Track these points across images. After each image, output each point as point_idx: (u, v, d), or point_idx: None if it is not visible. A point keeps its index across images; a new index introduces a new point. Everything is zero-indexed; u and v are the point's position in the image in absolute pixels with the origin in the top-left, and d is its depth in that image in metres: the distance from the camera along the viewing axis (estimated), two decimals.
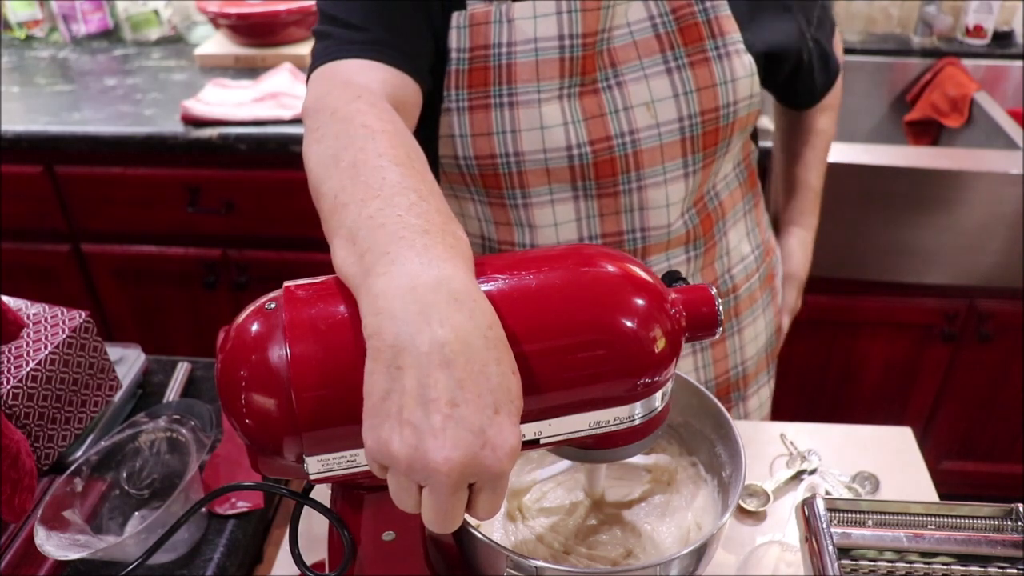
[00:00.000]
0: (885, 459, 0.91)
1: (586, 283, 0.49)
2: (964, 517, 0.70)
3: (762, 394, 1.07)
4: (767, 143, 1.28)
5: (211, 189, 1.65)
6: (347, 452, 0.47)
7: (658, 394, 0.52)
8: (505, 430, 0.41)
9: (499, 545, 0.59)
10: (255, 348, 0.47)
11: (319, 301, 0.48)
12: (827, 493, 0.86)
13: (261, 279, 1.77)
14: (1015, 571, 0.66)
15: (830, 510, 0.70)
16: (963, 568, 0.67)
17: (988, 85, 1.92)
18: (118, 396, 0.96)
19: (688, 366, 0.97)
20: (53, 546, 0.71)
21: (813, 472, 0.89)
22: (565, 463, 0.73)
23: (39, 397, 0.84)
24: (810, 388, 1.84)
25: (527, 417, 0.47)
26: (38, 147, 1.62)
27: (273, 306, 0.49)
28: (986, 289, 1.64)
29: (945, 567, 0.67)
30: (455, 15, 0.78)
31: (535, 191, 0.85)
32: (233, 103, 1.64)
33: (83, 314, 0.90)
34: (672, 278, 0.57)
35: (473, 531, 0.59)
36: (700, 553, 0.61)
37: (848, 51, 1.90)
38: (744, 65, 0.83)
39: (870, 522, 0.70)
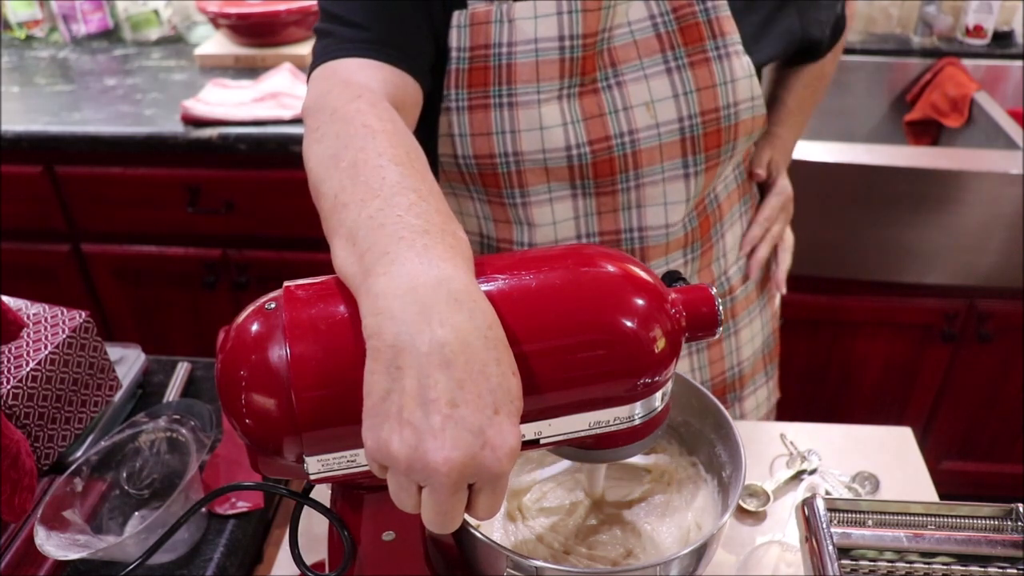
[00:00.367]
0: (885, 459, 0.91)
1: (586, 283, 0.49)
2: (964, 517, 0.70)
3: (759, 395, 1.07)
4: None
5: (211, 189, 1.65)
6: (347, 452, 0.47)
7: (658, 394, 0.52)
8: (505, 430, 0.41)
9: (499, 545, 0.59)
10: (255, 348, 0.47)
11: (319, 301, 0.48)
12: (827, 493, 0.86)
13: (261, 279, 1.77)
14: (1015, 571, 0.66)
15: (830, 510, 0.70)
16: (963, 568, 0.67)
17: (988, 85, 1.92)
18: (118, 396, 0.96)
19: (684, 367, 0.97)
20: (53, 546, 0.71)
21: (813, 472, 0.89)
22: (565, 463, 0.73)
23: (39, 397, 0.84)
24: (810, 388, 1.84)
25: (527, 417, 0.47)
26: (38, 147, 1.62)
27: (273, 306, 0.49)
28: (986, 289, 1.64)
29: (945, 567, 0.67)
30: (456, 14, 0.78)
31: (533, 190, 0.85)
32: (233, 103, 1.64)
33: (83, 314, 0.90)
34: (672, 278, 0.57)
35: (473, 531, 0.59)
36: (700, 553, 0.61)
37: (848, 51, 1.90)
38: (743, 66, 0.83)
39: (870, 522, 0.70)
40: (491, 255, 0.61)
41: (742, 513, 0.84)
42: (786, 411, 1.21)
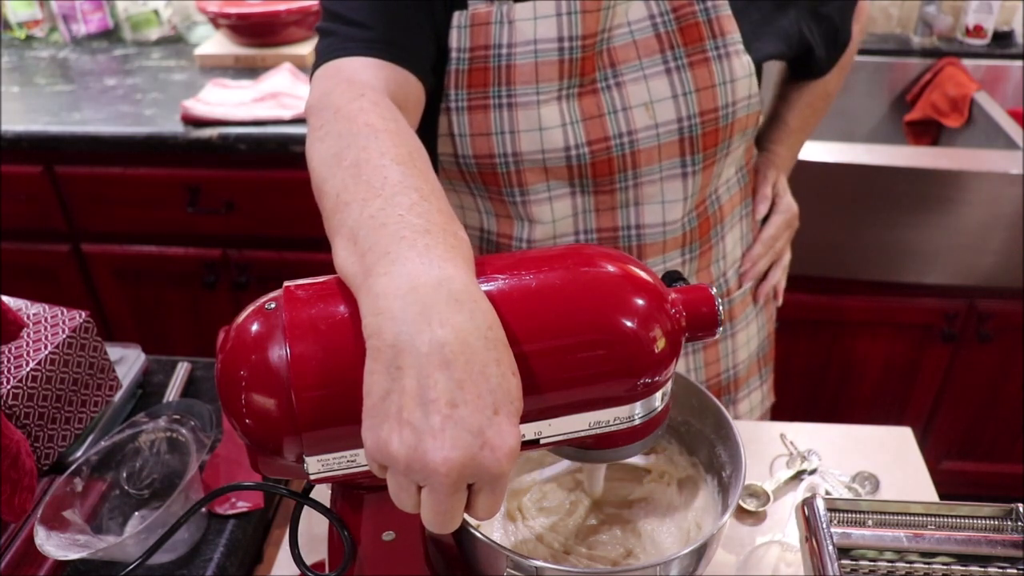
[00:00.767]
0: (885, 459, 0.91)
1: (586, 283, 0.49)
2: (964, 517, 0.70)
3: (753, 398, 1.07)
4: None
5: (211, 189, 1.65)
6: (347, 452, 0.47)
7: (658, 394, 0.52)
8: (504, 431, 0.41)
9: (499, 545, 0.59)
10: (255, 348, 0.47)
11: (319, 301, 0.48)
12: (827, 493, 0.86)
13: (261, 279, 1.77)
14: (1015, 571, 0.66)
15: (830, 510, 0.70)
16: (963, 568, 0.67)
17: (988, 85, 1.92)
18: (118, 396, 0.96)
19: (680, 368, 0.97)
20: (53, 546, 0.71)
21: (813, 472, 0.89)
22: (565, 463, 0.73)
23: (39, 397, 0.84)
24: (810, 388, 1.84)
25: (527, 417, 0.47)
26: (38, 147, 1.62)
27: (273, 306, 0.49)
28: (986, 289, 1.64)
29: (945, 567, 0.67)
30: (456, 14, 0.78)
31: (532, 188, 0.85)
32: (233, 103, 1.64)
33: (83, 314, 0.90)
34: (672, 278, 0.57)
35: (473, 531, 0.59)
36: (700, 553, 0.61)
37: None
38: (743, 65, 0.83)
39: (870, 522, 0.70)
40: (491, 255, 0.61)
41: (742, 513, 0.84)
42: (786, 411, 1.21)
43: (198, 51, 1.91)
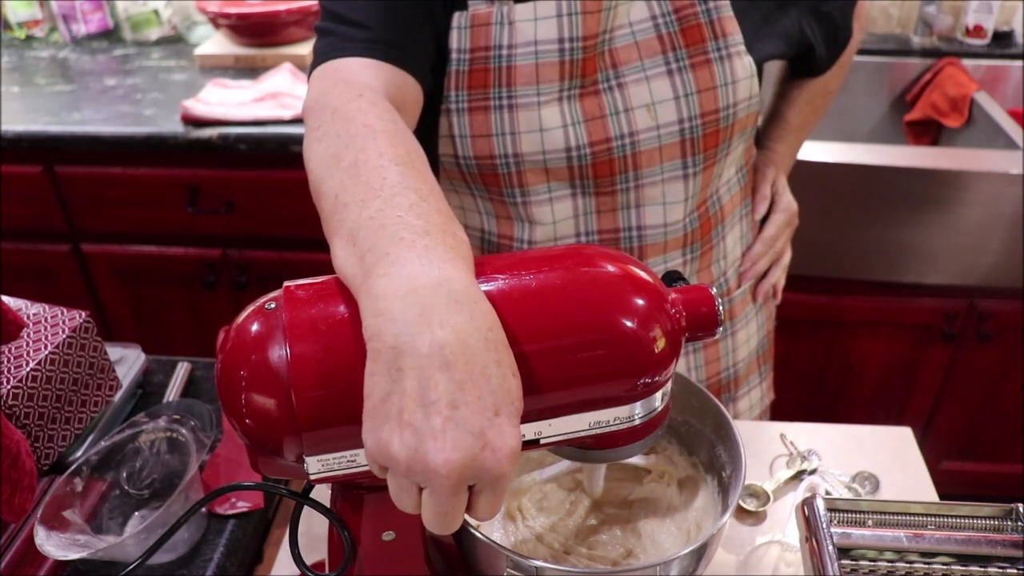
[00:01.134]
0: (885, 459, 0.91)
1: (586, 283, 0.49)
2: (964, 517, 0.70)
3: (752, 396, 1.07)
4: None
5: (211, 189, 1.65)
6: (347, 452, 0.47)
7: (658, 394, 0.52)
8: (505, 432, 0.41)
9: (499, 545, 0.59)
10: (255, 348, 0.47)
11: (319, 301, 0.48)
12: (827, 493, 0.86)
13: (261, 279, 1.77)
14: (1015, 571, 0.66)
15: (830, 510, 0.70)
16: (963, 568, 0.67)
17: (988, 85, 1.92)
18: (118, 396, 0.96)
19: (680, 367, 0.97)
20: (53, 546, 0.71)
21: (813, 472, 0.89)
22: (565, 463, 0.73)
23: (39, 397, 0.84)
24: (810, 388, 1.84)
25: (527, 417, 0.47)
26: (38, 147, 1.62)
27: (273, 306, 0.49)
28: (986, 289, 1.64)
29: (945, 567, 0.67)
30: (456, 15, 0.78)
31: (533, 189, 0.85)
32: (233, 103, 1.64)
33: (83, 314, 0.90)
34: (672, 278, 0.57)
35: (473, 531, 0.59)
36: (700, 553, 0.61)
37: None
38: (745, 66, 0.83)
39: (870, 522, 0.70)
40: (491, 255, 0.61)
41: (742, 513, 0.84)
42: (786, 411, 1.21)
43: (198, 51, 1.91)
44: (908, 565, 0.67)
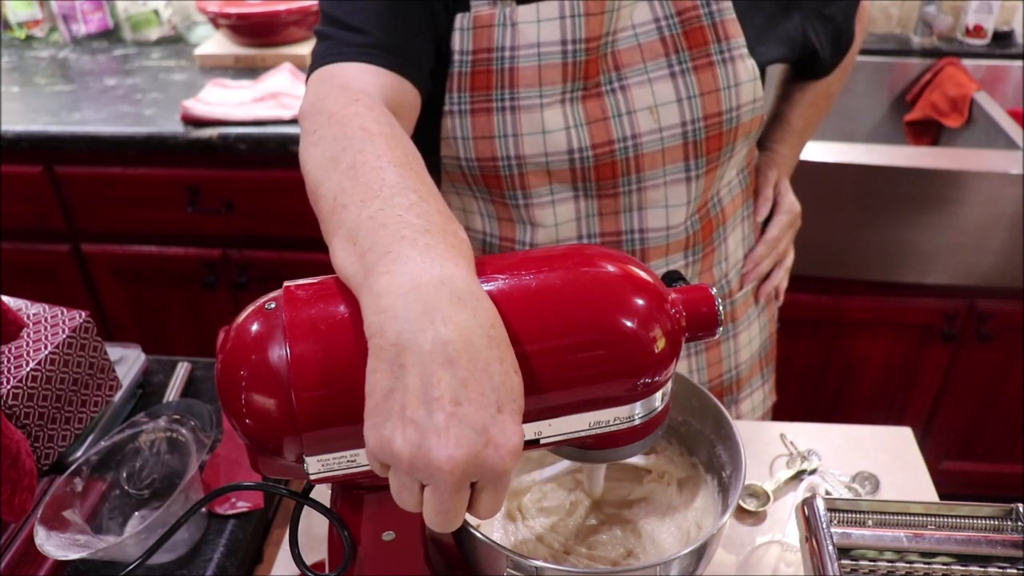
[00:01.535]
0: (885, 459, 0.91)
1: (586, 283, 0.49)
2: (964, 517, 0.70)
3: (755, 398, 1.07)
4: None
5: (211, 189, 1.65)
6: (347, 452, 0.47)
7: (658, 394, 0.52)
8: (508, 429, 0.41)
9: (499, 545, 0.59)
10: (255, 348, 0.47)
11: (319, 301, 0.48)
12: (827, 493, 0.86)
13: (261, 279, 1.77)
14: (1015, 571, 0.66)
15: (830, 510, 0.70)
16: (963, 568, 0.67)
17: (988, 85, 1.92)
18: (118, 396, 0.96)
19: (682, 369, 0.97)
20: (53, 546, 0.71)
21: (813, 472, 0.89)
22: (565, 463, 0.73)
23: (39, 397, 0.84)
24: (810, 388, 1.84)
25: (527, 417, 0.47)
26: (38, 147, 1.62)
27: (273, 306, 0.49)
28: (986, 289, 1.64)
29: (945, 567, 0.67)
30: (459, 17, 0.78)
31: (535, 192, 0.85)
32: (233, 103, 1.64)
33: (83, 314, 0.90)
34: (672, 278, 0.57)
35: (473, 531, 0.59)
36: (700, 553, 0.61)
37: None
38: (747, 69, 0.83)
39: (870, 522, 0.70)
40: (491, 255, 0.61)
41: (742, 513, 0.84)
42: (786, 411, 1.21)
43: (198, 51, 1.91)
44: (908, 565, 0.67)
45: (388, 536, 0.57)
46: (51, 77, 1.86)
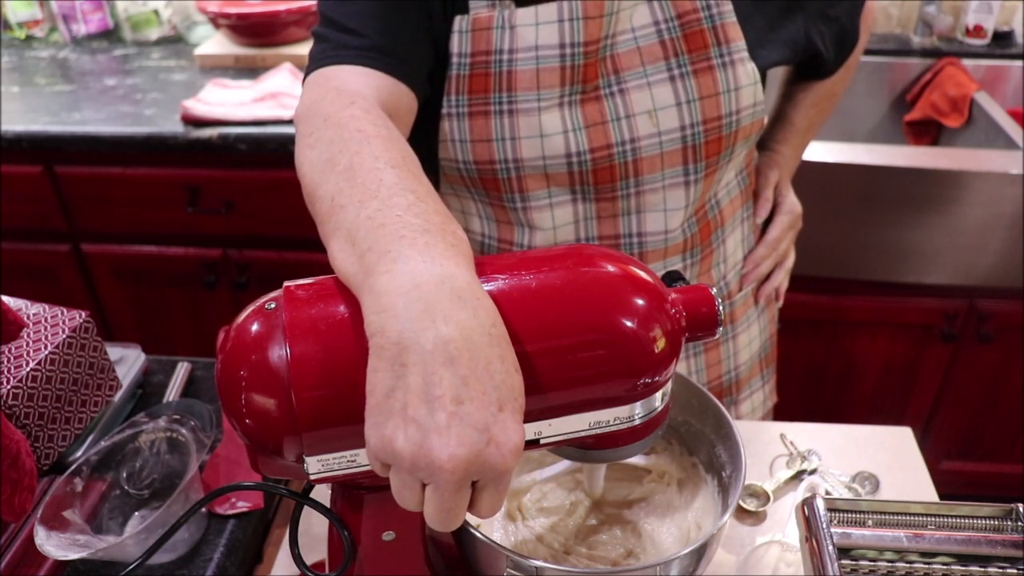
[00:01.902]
0: (885, 459, 0.91)
1: (586, 283, 0.50)
2: (964, 517, 0.70)
3: (755, 399, 1.07)
4: None
5: (211, 189, 1.65)
6: (347, 452, 0.47)
7: (658, 394, 0.52)
8: (509, 427, 0.41)
9: (499, 545, 0.59)
10: (255, 348, 0.47)
11: (319, 301, 0.48)
12: (827, 493, 0.86)
13: (261, 279, 1.77)
14: (1015, 571, 0.66)
15: (830, 510, 0.70)
16: (963, 568, 0.67)
17: (988, 85, 1.92)
18: (118, 396, 0.96)
19: (681, 371, 0.97)
20: (53, 546, 0.71)
21: (813, 472, 0.89)
22: (565, 463, 0.73)
23: (39, 397, 0.84)
24: (810, 388, 1.84)
25: (527, 417, 0.47)
26: (38, 147, 1.62)
27: (273, 306, 0.49)
28: (986, 289, 1.64)
29: (945, 567, 0.67)
30: (457, 19, 0.77)
31: (534, 195, 0.85)
32: (233, 103, 1.64)
33: (83, 314, 0.90)
34: (672, 278, 0.57)
35: (473, 531, 0.59)
36: (700, 553, 0.61)
37: None
38: (748, 73, 0.82)
39: (870, 522, 0.70)
40: (491, 255, 0.61)
41: (742, 513, 0.84)
42: (786, 411, 1.21)
43: (198, 51, 1.91)
44: (908, 565, 0.67)
45: (388, 536, 0.57)
46: (51, 77, 1.86)
